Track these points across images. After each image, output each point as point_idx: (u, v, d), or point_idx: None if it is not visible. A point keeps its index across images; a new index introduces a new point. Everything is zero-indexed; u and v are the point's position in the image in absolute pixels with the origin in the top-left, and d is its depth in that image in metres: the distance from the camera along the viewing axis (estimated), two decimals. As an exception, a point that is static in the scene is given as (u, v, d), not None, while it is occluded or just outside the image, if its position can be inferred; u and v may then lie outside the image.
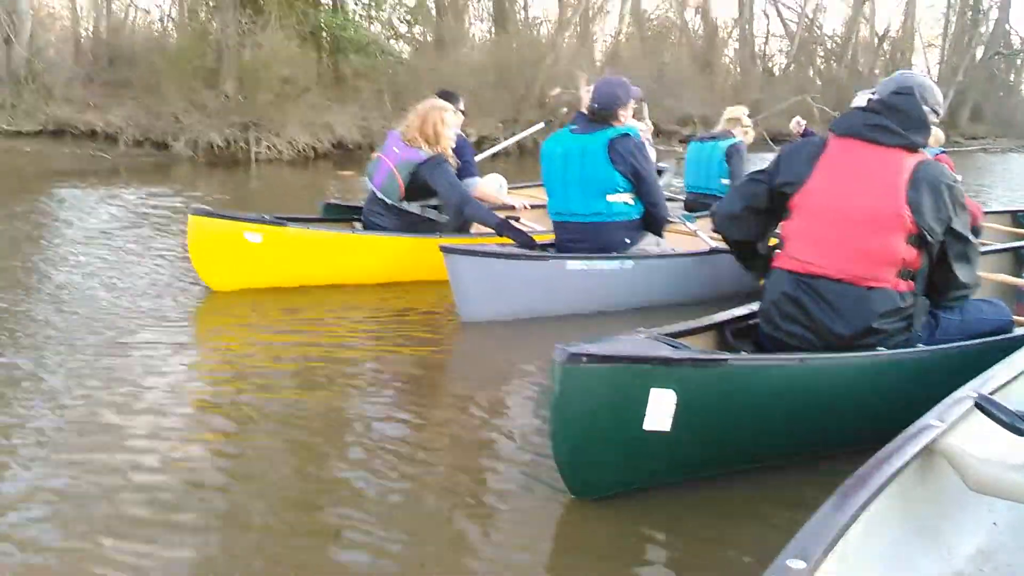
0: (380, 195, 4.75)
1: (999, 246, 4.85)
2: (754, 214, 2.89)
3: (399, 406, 3.02)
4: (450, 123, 4.77)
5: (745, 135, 6.22)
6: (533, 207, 5.62)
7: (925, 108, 2.71)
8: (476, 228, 4.94)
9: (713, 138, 6.19)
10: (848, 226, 2.60)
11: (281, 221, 4.56)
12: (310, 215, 5.23)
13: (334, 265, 4.69)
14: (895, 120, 2.65)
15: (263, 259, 4.52)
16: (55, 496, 2.26)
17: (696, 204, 6.06)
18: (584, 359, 2.09)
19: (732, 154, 5.96)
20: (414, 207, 4.74)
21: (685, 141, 6.86)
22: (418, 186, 4.65)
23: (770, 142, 19.57)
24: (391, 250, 4.74)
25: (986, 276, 4.03)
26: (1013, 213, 6.64)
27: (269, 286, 4.59)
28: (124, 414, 2.82)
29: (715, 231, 3.09)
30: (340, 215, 5.23)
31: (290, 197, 10.35)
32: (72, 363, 3.34)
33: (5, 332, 3.74)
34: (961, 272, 2.67)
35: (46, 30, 15.77)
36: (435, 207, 4.77)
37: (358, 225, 5.07)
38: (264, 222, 4.51)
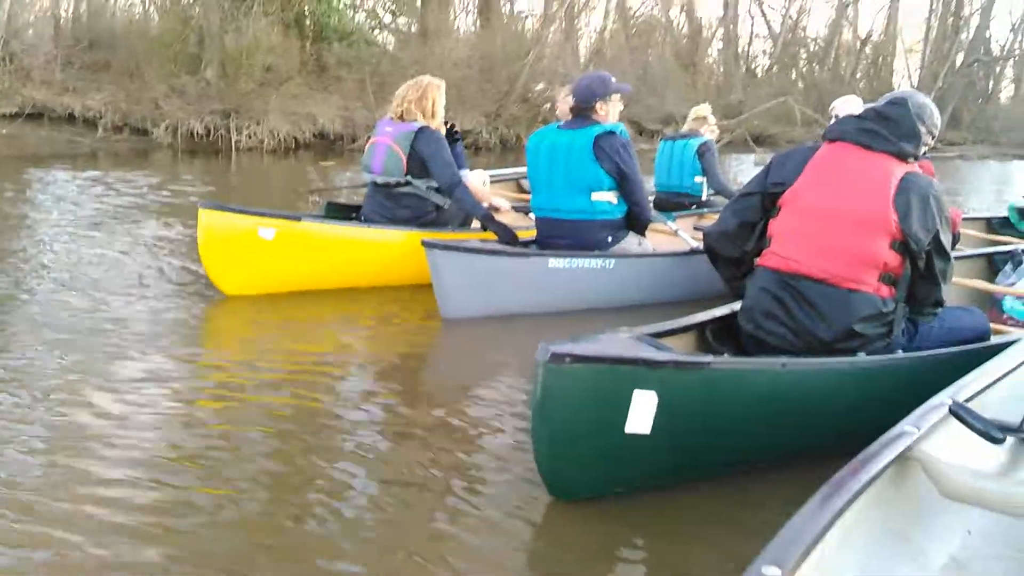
0: (382, 180, 4.60)
1: (973, 252, 4.89)
2: (748, 229, 2.89)
3: (379, 409, 3.00)
4: (443, 100, 4.74)
5: (712, 133, 6.38)
6: (515, 208, 5.60)
7: (920, 126, 2.73)
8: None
9: (683, 137, 6.29)
10: (833, 225, 2.63)
11: (295, 216, 4.42)
12: (314, 213, 5.00)
13: (347, 264, 4.51)
14: (885, 127, 2.68)
15: (275, 258, 4.32)
16: (26, 504, 2.23)
17: (668, 202, 6.13)
18: (567, 359, 2.08)
19: (704, 152, 6.10)
20: (419, 185, 4.59)
21: (667, 139, 6.94)
22: (419, 160, 4.51)
23: (752, 143, 19.69)
24: (403, 247, 4.51)
25: (962, 282, 4.07)
26: (988, 219, 6.70)
27: (281, 290, 4.40)
28: (102, 416, 2.77)
29: (706, 250, 3.09)
30: (346, 214, 4.98)
31: (273, 187, 10.29)
32: (57, 362, 3.27)
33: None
34: (943, 288, 2.71)
35: (25, 10, 15.59)
36: (439, 189, 4.62)
37: None
38: (278, 216, 4.35)
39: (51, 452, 2.46)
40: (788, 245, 2.72)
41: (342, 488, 2.36)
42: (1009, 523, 1.85)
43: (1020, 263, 4.63)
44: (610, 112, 4.30)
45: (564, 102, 5.67)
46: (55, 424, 2.65)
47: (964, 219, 5.97)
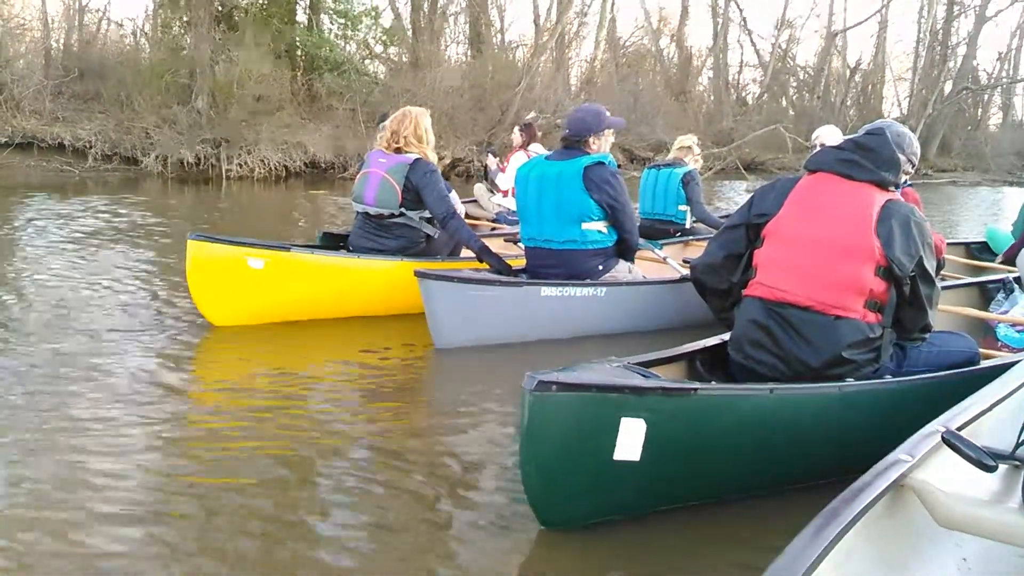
0: (375, 211, 4.57)
1: (967, 280, 4.91)
2: (734, 261, 2.90)
3: (370, 439, 2.96)
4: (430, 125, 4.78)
5: (696, 163, 6.42)
6: (504, 239, 5.59)
7: (900, 155, 2.74)
8: (466, 252, 4.77)
9: (668, 165, 6.33)
10: (818, 254, 2.63)
11: (285, 246, 4.37)
12: (308, 242, 4.94)
13: (337, 293, 4.48)
14: (865, 157, 2.69)
15: (265, 289, 4.28)
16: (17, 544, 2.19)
17: (652, 229, 6.14)
18: (554, 387, 2.06)
19: (688, 181, 6.14)
20: (412, 216, 4.59)
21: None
22: (413, 191, 4.51)
23: (743, 170, 19.81)
24: (393, 276, 4.48)
25: (954, 310, 4.07)
26: (967, 245, 6.75)
27: (271, 320, 4.36)
28: (87, 452, 2.73)
29: (694, 283, 3.09)
30: (338, 243, 4.90)
31: (263, 216, 10.27)
32: (44, 394, 3.24)
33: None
34: (929, 314, 2.70)
35: (16, 41, 15.64)
36: (430, 219, 4.64)
37: None
38: (267, 247, 4.30)
39: (39, 483, 2.41)
40: (773, 274, 2.71)
41: (333, 517, 2.32)
42: (1004, 550, 1.82)
43: (1012, 291, 4.64)
44: (602, 146, 4.30)
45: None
46: (41, 454, 2.61)
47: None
